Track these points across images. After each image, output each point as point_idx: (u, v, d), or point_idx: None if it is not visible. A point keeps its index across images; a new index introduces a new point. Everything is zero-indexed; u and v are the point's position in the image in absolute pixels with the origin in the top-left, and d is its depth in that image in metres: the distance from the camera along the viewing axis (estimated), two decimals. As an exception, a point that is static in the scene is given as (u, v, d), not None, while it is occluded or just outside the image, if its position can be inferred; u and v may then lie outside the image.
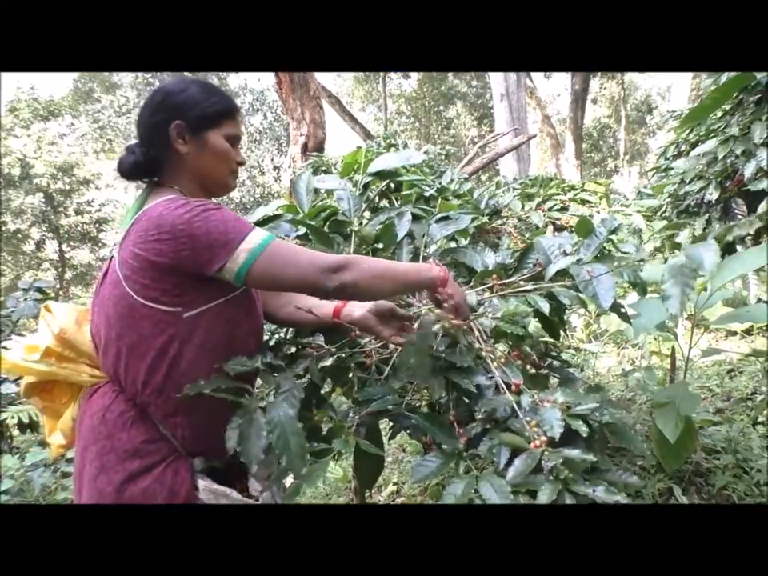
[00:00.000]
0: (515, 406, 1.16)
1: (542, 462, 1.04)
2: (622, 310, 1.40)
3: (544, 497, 0.99)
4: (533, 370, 1.35)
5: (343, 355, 1.42)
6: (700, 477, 2.12)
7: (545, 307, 1.30)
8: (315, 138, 7.24)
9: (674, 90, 13.76)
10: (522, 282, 1.40)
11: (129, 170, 1.33)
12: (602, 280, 1.29)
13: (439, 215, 1.71)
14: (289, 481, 1.17)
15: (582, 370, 3.88)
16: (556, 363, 1.62)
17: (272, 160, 18.50)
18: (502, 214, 3.59)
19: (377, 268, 1.22)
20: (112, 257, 1.28)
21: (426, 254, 1.64)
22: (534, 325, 1.56)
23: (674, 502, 1.99)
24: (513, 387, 1.21)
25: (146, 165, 1.33)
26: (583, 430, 1.07)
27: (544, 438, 1.08)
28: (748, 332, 4.06)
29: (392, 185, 3.07)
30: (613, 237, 1.49)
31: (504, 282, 1.40)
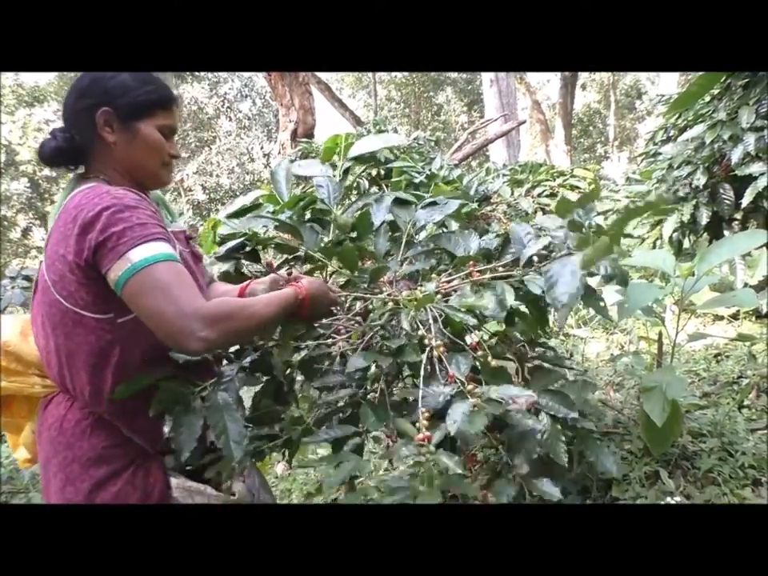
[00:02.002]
0: (420, 394, 1.11)
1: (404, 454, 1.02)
2: (601, 303, 1.33)
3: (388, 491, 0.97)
4: (494, 362, 1.30)
5: (305, 348, 1.38)
6: (686, 460, 2.14)
7: (510, 297, 1.25)
8: (305, 125, 7.21)
9: (662, 75, 13.77)
10: (500, 269, 1.36)
11: (49, 157, 1.23)
12: (564, 276, 1.17)
13: (427, 201, 1.67)
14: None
15: (570, 356, 3.91)
16: (546, 353, 1.60)
17: (261, 147, 18.35)
18: (492, 201, 3.60)
19: (246, 317, 1.11)
20: (42, 261, 1.20)
21: (415, 241, 1.63)
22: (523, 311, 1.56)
23: (661, 485, 2.01)
24: (449, 378, 1.16)
25: (69, 152, 1.23)
26: (479, 425, 1.00)
27: (428, 434, 1.03)
28: (735, 317, 4.09)
29: (382, 171, 3.07)
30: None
31: (481, 269, 1.37)
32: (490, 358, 1.27)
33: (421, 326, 1.23)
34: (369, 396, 1.31)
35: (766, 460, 2.03)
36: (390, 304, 1.29)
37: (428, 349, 1.19)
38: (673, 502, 1.74)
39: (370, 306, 1.42)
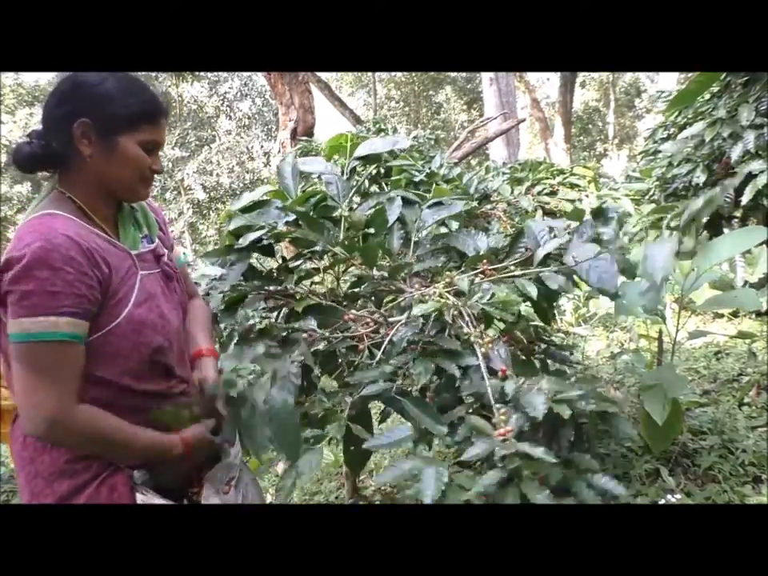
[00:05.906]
0: (489, 391, 1.12)
1: (495, 450, 1.00)
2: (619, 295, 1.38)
3: (480, 485, 0.96)
4: (523, 357, 1.33)
5: (333, 340, 1.40)
6: (686, 458, 2.15)
7: (533, 292, 1.29)
8: (304, 123, 7.20)
9: (662, 73, 13.77)
10: (512, 267, 1.39)
11: (23, 162, 1.16)
12: (599, 264, 1.26)
13: (432, 201, 1.72)
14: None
15: (571, 354, 3.91)
16: (550, 348, 1.63)
17: (261, 146, 18.35)
18: (492, 199, 3.60)
19: (110, 437, 1.10)
20: None
21: (417, 239, 1.65)
22: (524, 308, 1.58)
23: (661, 482, 2.02)
24: (499, 373, 1.18)
25: (44, 159, 1.17)
26: (566, 413, 1.04)
27: (509, 428, 1.03)
28: (735, 314, 4.10)
29: (382, 170, 3.07)
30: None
31: (494, 266, 1.40)
32: (518, 352, 1.32)
33: (462, 324, 1.27)
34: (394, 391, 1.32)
35: (767, 457, 2.04)
36: (431, 302, 1.30)
37: (476, 345, 1.22)
38: (673, 500, 1.75)
39: (403, 303, 1.45)
